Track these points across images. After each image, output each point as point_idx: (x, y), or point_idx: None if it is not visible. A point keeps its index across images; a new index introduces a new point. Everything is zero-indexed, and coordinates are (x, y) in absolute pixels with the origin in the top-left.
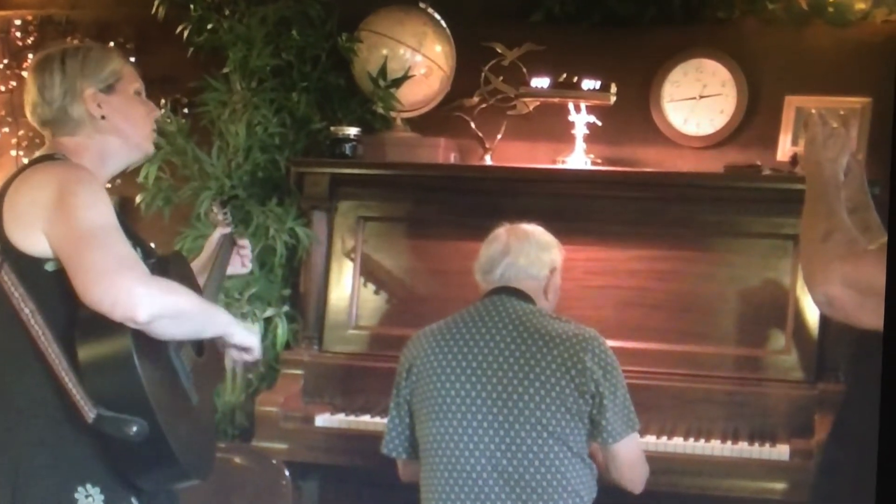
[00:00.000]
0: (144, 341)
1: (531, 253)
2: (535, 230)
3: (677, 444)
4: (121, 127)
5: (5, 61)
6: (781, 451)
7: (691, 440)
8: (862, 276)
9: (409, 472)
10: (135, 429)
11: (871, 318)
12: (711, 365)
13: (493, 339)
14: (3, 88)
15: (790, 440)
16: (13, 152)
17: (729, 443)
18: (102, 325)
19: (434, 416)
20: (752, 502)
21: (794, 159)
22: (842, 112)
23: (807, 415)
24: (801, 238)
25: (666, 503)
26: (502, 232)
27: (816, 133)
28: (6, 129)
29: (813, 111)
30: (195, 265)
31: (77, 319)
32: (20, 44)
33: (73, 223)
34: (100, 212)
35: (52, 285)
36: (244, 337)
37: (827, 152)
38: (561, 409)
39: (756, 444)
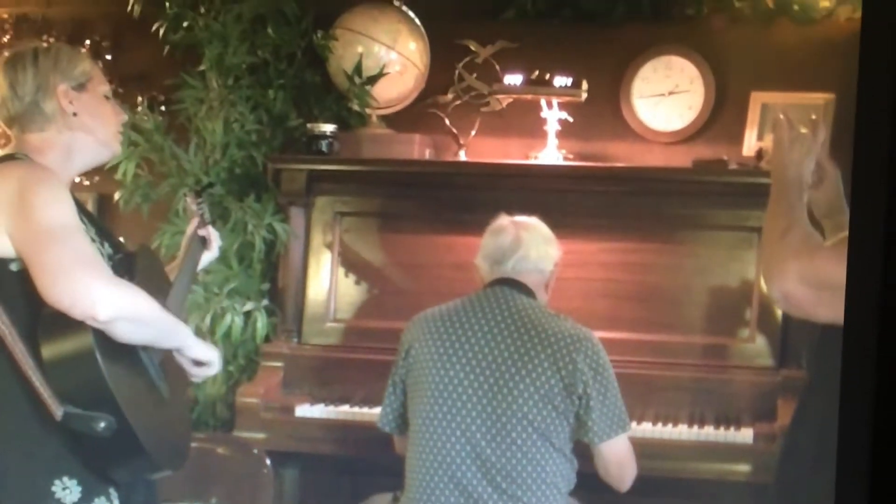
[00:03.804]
0: (108, 339)
1: (540, 247)
2: (538, 223)
3: (645, 430)
4: (90, 124)
5: None
6: (745, 435)
7: (659, 425)
8: (816, 271)
9: (403, 446)
10: (102, 425)
11: (827, 312)
12: (678, 353)
13: (490, 332)
14: None
15: (754, 424)
16: None
17: (695, 427)
18: (64, 324)
19: (423, 400)
20: (717, 484)
21: (760, 154)
22: (813, 116)
23: (770, 400)
24: (763, 237)
25: (634, 486)
26: (508, 224)
27: (783, 136)
28: None
29: (781, 116)
30: (174, 264)
31: (40, 318)
32: None
33: (34, 222)
34: (60, 211)
35: (17, 285)
36: (202, 351)
37: (792, 154)
38: (548, 407)
39: (721, 429)
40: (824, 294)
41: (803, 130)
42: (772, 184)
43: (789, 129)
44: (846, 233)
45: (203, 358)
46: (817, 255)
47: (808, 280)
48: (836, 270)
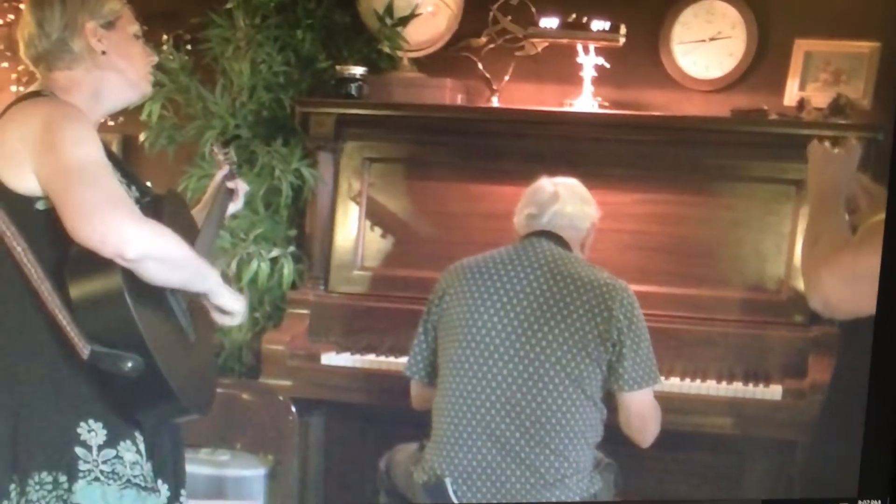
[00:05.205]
0: (137, 279)
1: (577, 203)
2: (577, 183)
3: (673, 384)
4: (119, 64)
5: None
6: (774, 392)
7: (687, 380)
8: (844, 267)
9: (422, 397)
10: (130, 364)
11: (871, 304)
12: (710, 307)
13: (526, 279)
14: (0, 21)
15: (783, 381)
16: (13, 88)
17: (724, 383)
18: (93, 263)
19: (456, 345)
20: (743, 440)
21: (801, 104)
22: (854, 141)
23: (801, 356)
24: (801, 252)
25: (662, 440)
26: (548, 182)
27: (818, 157)
28: (5, 64)
29: (815, 140)
30: (199, 207)
31: (68, 257)
32: None
33: (62, 160)
34: (88, 149)
35: (44, 224)
36: (229, 301)
37: (825, 174)
38: (581, 354)
39: (750, 385)
40: (860, 287)
41: (836, 151)
42: (809, 201)
43: (823, 149)
44: (872, 220)
45: (228, 308)
46: (843, 252)
47: (840, 278)
48: (864, 260)
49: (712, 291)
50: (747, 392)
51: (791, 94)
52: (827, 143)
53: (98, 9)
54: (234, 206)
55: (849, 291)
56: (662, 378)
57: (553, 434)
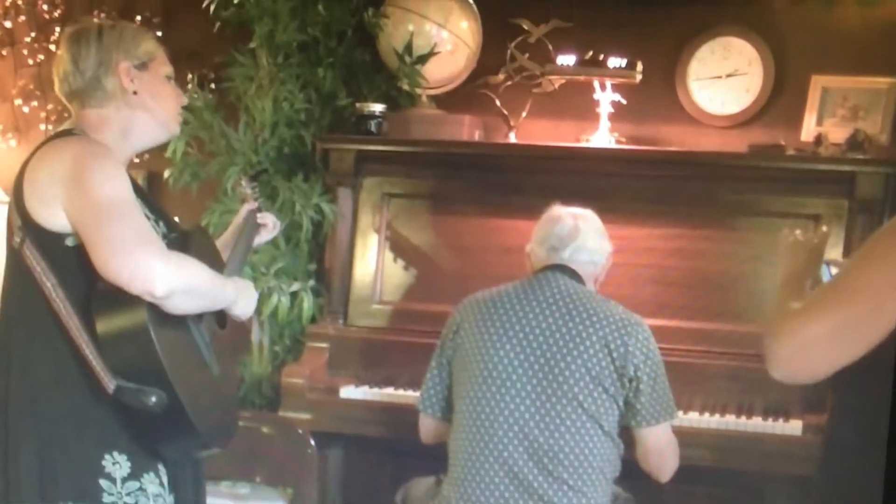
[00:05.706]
0: (161, 314)
1: (597, 238)
2: (593, 216)
3: (692, 419)
4: (150, 104)
5: (32, 34)
6: (794, 427)
7: (706, 415)
8: (791, 337)
9: (434, 432)
10: (153, 399)
11: (824, 366)
12: (728, 342)
13: (542, 313)
14: (31, 62)
15: (803, 416)
16: (42, 126)
17: (743, 418)
18: (119, 299)
19: (472, 380)
20: (763, 475)
21: (819, 139)
22: (825, 228)
23: (820, 392)
24: None
25: (680, 475)
26: (565, 213)
27: (787, 246)
28: (35, 103)
29: (786, 230)
30: (223, 239)
31: (95, 292)
32: (47, 17)
33: (91, 197)
34: (116, 186)
35: (73, 260)
36: (241, 311)
37: (796, 260)
38: (598, 389)
39: (770, 420)
40: (809, 353)
41: (805, 238)
42: (778, 288)
43: (794, 238)
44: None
45: (241, 313)
46: (787, 323)
47: (788, 349)
48: (804, 328)
49: (730, 325)
50: (766, 427)
51: (808, 129)
52: (798, 231)
53: (133, 49)
54: (268, 237)
55: (800, 360)
56: (681, 412)
57: (570, 470)
